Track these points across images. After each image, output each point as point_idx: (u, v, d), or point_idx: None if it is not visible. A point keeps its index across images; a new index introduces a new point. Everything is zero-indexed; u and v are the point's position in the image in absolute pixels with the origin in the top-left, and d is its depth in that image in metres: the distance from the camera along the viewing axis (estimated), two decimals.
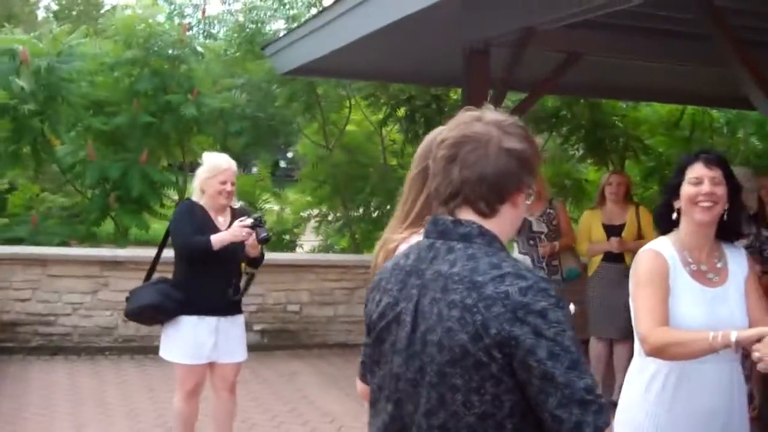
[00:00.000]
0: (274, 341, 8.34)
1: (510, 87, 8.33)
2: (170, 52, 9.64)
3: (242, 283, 4.87)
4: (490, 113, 1.91)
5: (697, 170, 2.86)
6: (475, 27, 7.37)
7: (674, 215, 2.93)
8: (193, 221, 4.69)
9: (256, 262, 4.91)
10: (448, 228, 1.87)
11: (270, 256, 9.12)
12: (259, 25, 10.85)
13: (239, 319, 4.88)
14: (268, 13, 11.16)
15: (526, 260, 6.54)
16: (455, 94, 10.53)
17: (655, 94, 10.81)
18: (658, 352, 2.75)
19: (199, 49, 10.33)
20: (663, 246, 2.91)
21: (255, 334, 8.15)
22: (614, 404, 3.07)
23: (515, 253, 6.65)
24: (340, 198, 10.86)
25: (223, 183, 4.72)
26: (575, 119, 11.42)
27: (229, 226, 4.70)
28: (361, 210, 11.04)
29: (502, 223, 1.89)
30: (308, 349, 8.33)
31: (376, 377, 1.96)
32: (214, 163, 4.80)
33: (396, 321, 1.88)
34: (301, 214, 11.69)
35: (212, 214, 4.76)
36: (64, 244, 9.51)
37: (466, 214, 1.87)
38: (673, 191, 2.92)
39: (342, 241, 11.30)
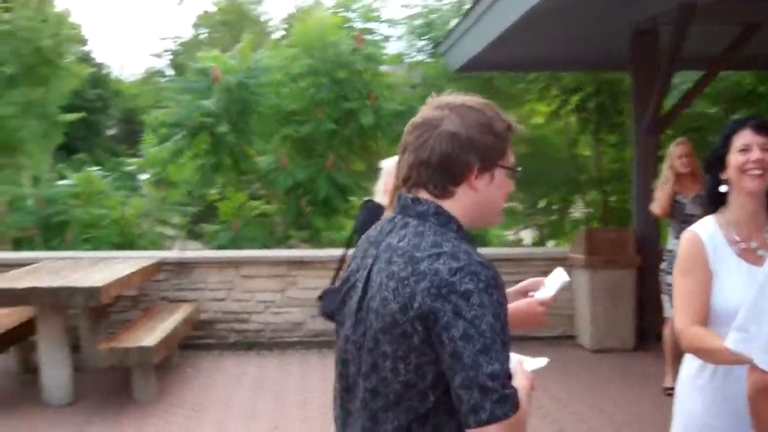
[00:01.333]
0: None
1: (681, 66, 8.00)
2: (348, 59, 10.02)
3: None
4: (449, 96, 1.96)
5: (745, 137, 2.68)
6: (641, 5, 7.15)
7: (723, 188, 2.75)
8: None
9: None
10: (408, 205, 1.95)
11: None
12: (437, 24, 11.03)
13: None
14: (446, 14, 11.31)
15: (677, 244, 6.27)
16: None
17: None
18: (691, 352, 2.67)
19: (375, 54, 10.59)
20: (703, 226, 2.74)
21: None
22: None
23: (670, 238, 6.39)
24: (524, 192, 10.83)
25: None
26: None
27: None
28: (544, 202, 10.95)
29: (464, 205, 1.92)
30: None
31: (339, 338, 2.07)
32: (393, 165, 5.06)
33: (354, 287, 1.98)
34: None
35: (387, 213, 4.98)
36: (265, 247, 10.17)
37: (423, 195, 1.94)
38: (719, 162, 2.75)
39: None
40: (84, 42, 37.09)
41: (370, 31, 10.91)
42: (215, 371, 7.50)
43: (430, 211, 1.90)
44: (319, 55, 10.02)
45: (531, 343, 8.34)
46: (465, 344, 1.71)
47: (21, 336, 7.09)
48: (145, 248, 9.97)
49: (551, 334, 8.54)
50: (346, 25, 10.76)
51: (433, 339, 1.76)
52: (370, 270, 1.93)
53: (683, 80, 9.91)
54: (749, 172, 2.66)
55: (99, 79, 35.47)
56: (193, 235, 12.30)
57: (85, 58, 36.27)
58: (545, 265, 8.72)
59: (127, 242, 10.05)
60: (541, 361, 2.08)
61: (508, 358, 1.75)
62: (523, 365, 1.99)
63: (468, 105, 1.92)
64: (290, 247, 10.63)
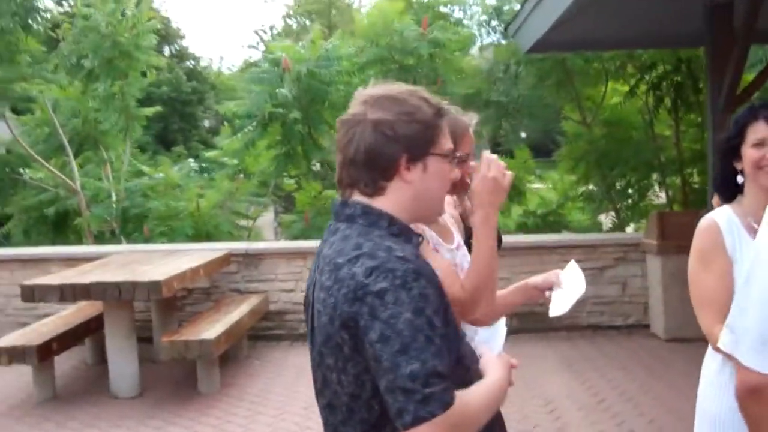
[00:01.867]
0: (522, 324, 8.25)
1: (757, 40, 7.63)
2: (413, 45, 9.90)
3: None
4: (373, 88, 1.89)
5: (760, 130, 2.54)
6: None
7: (739, 178, 2.61)
8: None
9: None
10: (339, 210, 1.90)
11: (514, 238, 9.03)
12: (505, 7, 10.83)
13: None
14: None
15: None
16: None
17: None
18: (721, 353, 2.48)
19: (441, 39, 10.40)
20: (721, 214, 2.61)
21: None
22: None
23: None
24: (600, 175, 10.53)
25: None
26: None
27: None
28: (619, 185, 10.62)
29: (398, 199, 1.85)
30: (556, 332, 8.18)
31: None
32: None
33: (310, 304, 1.93)
34: (568, 193, 11.49)
35: None
36: None
37: (356, 196, 1.87)
38: (733, 153, 2.61)
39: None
40: (181, 36, 38.11)
41: (443, 16, 10.76)
42: (282, 363, 7.55)
43: (357, 213, 1.85)
44: (385, 42, 9.92)
45: (605, 332, 8.15)
46: (383, 346, 1.62)
47: (94, 328, 7.29)
48: (219, 240, 10.10)
49: (625, 323, 8.29)
50: (414, 10, 10.63)
51: (358, 345, 1.69)
52: (315, 284, 1.88)
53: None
54: (766, 169, 2.54)
55: (195, 73, 36.42)
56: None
57: (182, 53, 37.24)
58: (618, 252, 8.45)
59: (201, 234, 10.20)
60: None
61: (436, 353, 1.62)
62: (502, 354, 1.93)
63: (389, 96, 1.85)
64: None
